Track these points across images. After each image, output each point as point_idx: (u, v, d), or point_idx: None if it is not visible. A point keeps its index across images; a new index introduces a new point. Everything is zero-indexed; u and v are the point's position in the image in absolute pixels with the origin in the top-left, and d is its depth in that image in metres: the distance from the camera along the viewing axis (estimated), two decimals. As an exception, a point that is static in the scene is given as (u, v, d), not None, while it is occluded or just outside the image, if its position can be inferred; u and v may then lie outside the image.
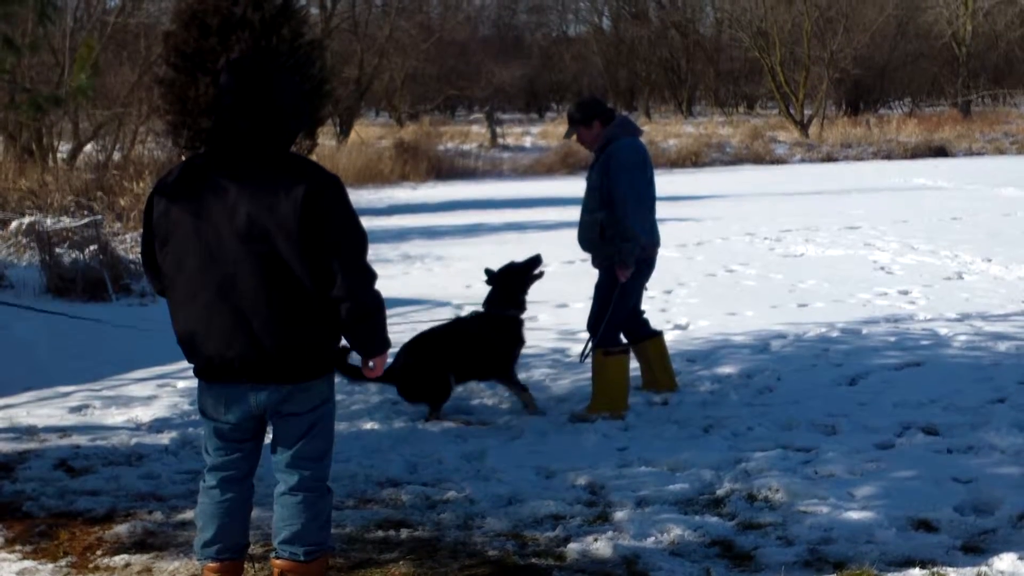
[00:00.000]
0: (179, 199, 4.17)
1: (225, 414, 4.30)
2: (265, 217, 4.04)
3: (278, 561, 4.38)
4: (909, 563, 4.83)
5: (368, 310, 4.21)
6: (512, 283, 7.66)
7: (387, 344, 4.40)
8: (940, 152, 33.85)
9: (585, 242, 7.49)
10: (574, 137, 7.54)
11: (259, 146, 4.13)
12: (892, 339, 9.25)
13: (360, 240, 4.19)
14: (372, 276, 4.23)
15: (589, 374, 7.58)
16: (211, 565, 4.41)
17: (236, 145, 4.13)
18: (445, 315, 10.57)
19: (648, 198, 7.36)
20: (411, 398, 7.39)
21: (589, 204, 7.37)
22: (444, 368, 7.33)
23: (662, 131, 38.44)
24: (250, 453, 4.45)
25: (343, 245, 4.12)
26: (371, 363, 4.41)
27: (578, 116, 7.43)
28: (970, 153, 34.38)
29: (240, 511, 4.45)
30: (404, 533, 5.33)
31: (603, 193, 7.22)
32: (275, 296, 4.10)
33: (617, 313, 7.41)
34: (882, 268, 12.89)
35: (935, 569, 4.76)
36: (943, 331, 9.52)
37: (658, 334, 7.91)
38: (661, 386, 7.76)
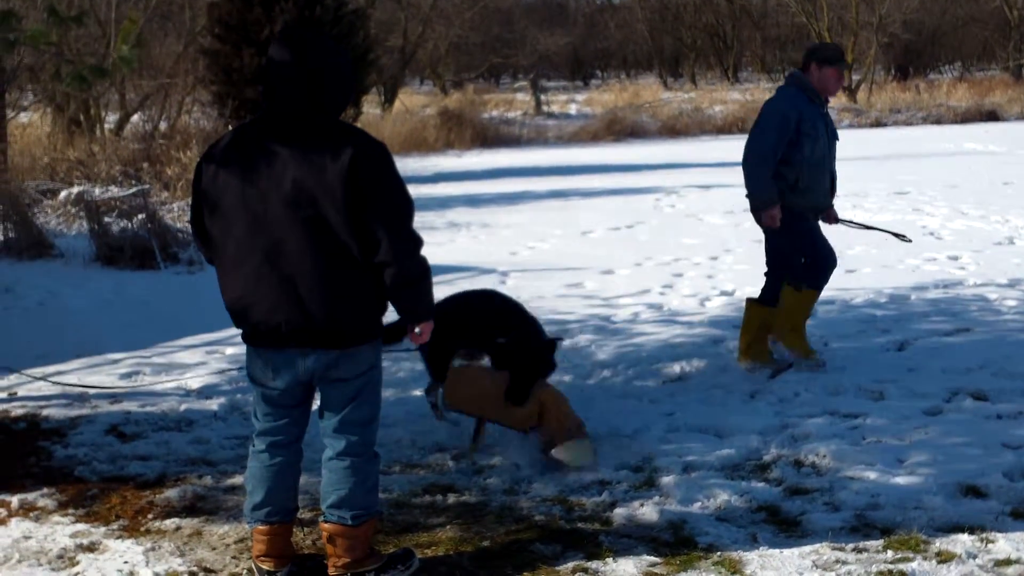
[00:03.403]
0: (228, 165, 4.20)
1: (274, 380, 4.34)
2: (312, 182, 4.07)
3: (327, 525, 4.43)
4: (958, 529, 4.80)
5: (413, 275, 4.23)
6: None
7: (430, 310, 4.42)
8: (991, 116, 33.36)
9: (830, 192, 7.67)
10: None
11: (308, 114, 4.16)
12: (941, 305, 9.17)
13: (406, 206, 4.21)
14: (418, 242, 4.24)
15: (631, 340, 7.58)
16: (260, 528, 4.47)
17: (286, 113, 4.16)
18: (490, 282, 10.59)
19: None
20: None
21: (833, 154, 7.58)
22: None
23: (708, 97, 38.18)
24: (298, 418, 4.51)
25: (389, 210, 4.13)
26: (417, 329, 4.43)
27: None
28: (1022, 117, 33.85)
29: (289, 474, 4.50)
30: (451, 498, 5.36)
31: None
32: (322, 261, 4.12)
33: None
34: (931, 233, 12.74)
35: (984, 535, 4.73)
36: (993, 296, 9.41)
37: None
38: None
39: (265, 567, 4.46)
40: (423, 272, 4.28)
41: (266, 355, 4.33)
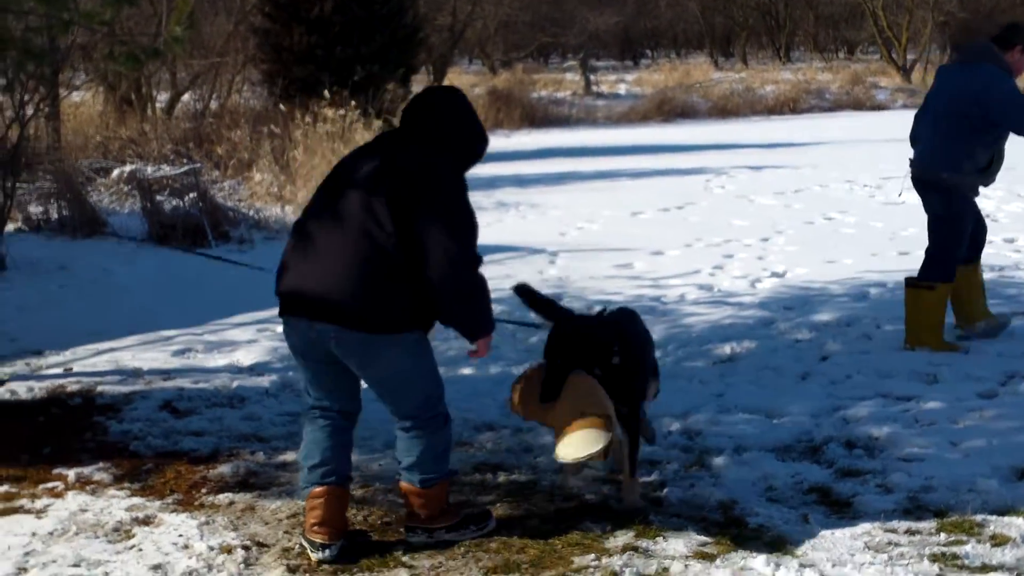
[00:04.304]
0: (339, 163, 4.59)
1: (305, 360, 4.53)
2: (378, 184, 4.30)
3: (401, 483, 4.62)
4: (1012, 512, 4.75)
5: (463, 292, 4.33)
6: None
7: (483, 328, 4.49)
8: (1048, 97, 32.84)
9: None
10: None
11: (416, 139, 4.47)
12: (996, 288, 9.02)
13: (462, 228, 4.33)
14: (470, 261, 4.32)
15: (681, 321, 7.57)
16: (316, 491, 4.54)
17: (404, 132, 4.51)
18: (539, 262, 10.59)
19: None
20: None
21: None
22: None
23: (759, 77, 37.83)
24: (346, 397, 4.63)
25: (442, 229, 4.26)
26: (472, 345, 4.53)
27: None
28: (1080, 98, 33.32)
29: (343, 437, 4.62)
30: (501, 476, 5.38)
31: None
32: (359, 249, 4.28)
33: None
34: (987, 216, 12.52)
35: (1039, 519, 4.68)
36: (1049, 279, 9.30)
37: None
38: None
39: (318, 539, 4.48)
40: (472, 290, 4.36)
41: (290, 332, 4.52)
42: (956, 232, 7.34)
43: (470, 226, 4.38)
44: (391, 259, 4.27)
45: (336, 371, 4.50)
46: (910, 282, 7.45)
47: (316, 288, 4.32)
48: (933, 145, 7.28)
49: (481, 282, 4.40)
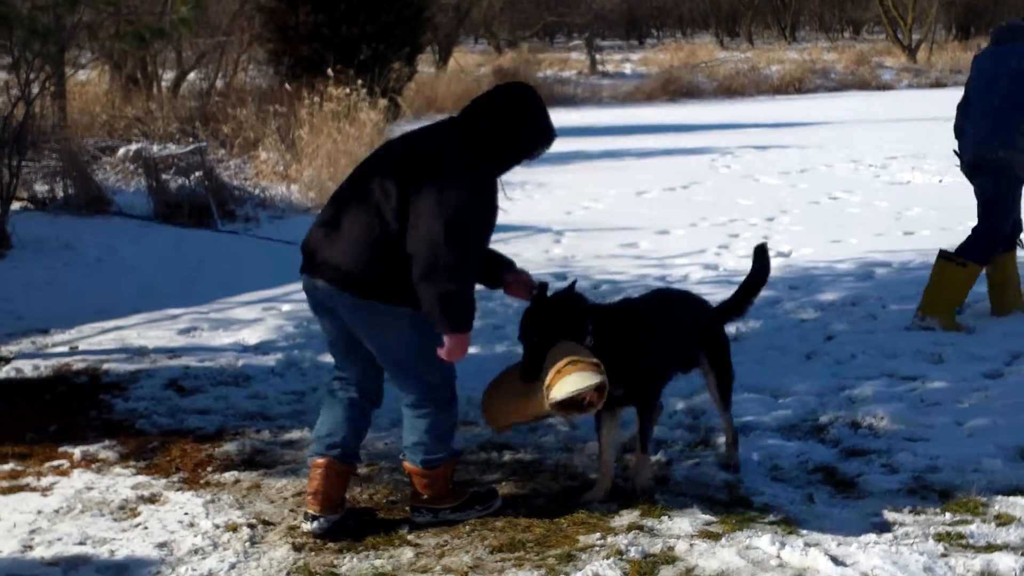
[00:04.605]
0: (381, 145, 4.74)
1: (320, 320, 4.59)
2: (396, 165, 4.35)
3: (405, 463, 4.65)
4: (1017, 492, 4.76)
5: (427, 274, 4.20)
6: None
7: (451, 323, 4.28)
8: (1055, 77, 32.71)
9: None
10: None
11: (458, 132, 4.47)
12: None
13: (453, 216, 4.20)
14: (446, 246, 4.17)
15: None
16: (318, 461, 4.55)
17: (452, 124, 4.52)
18: (546, 242, 10.58)
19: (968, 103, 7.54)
20: None
21: None
22: None
23: (765, 57, 37.72)
24: (362, 369, 4.61)
25: (429, 211, 4.21)
26: (445, 340, 4.35)
27: None
28: (1086, 78, 33.17)
29: (357, 414, 4.61)
30: (506, 455, 5.39)
31: None
32: (369, 221, 4.31)
33: None
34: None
35: (1044, 498, 4.68)
36: (1055, 260, 9.27)
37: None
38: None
39: (310, 509, 4.51)
40: (445, 276, 4.19)
41: (306, 293, 4.56)
42: (1003, 212, 7.37)
43: (469, 219, 4.26)
44: (397, 234, 4.27)
45: (348, 338, 4.51)
46: (944, 254, 7.43)
47: (328, 252, 4.36)
48: (984, 128, 7.30)
49: (460, 275, 4.24)
